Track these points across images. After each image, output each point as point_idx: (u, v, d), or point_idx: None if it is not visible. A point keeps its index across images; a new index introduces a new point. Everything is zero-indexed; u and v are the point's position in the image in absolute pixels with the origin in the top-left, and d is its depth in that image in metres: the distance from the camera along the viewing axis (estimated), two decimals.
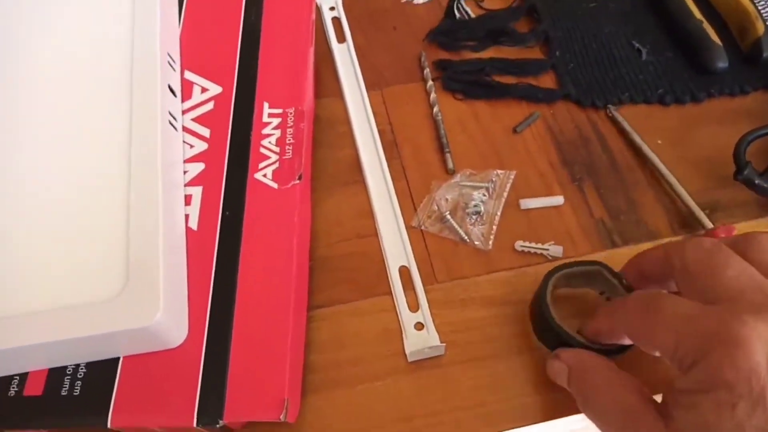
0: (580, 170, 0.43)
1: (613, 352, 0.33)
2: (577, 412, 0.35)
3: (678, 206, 0.42)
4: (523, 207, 0.41)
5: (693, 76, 0.47)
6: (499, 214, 0.40)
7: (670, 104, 0.46)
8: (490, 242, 0.39)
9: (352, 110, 0.46)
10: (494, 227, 0.40)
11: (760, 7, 0.48)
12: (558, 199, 0.41)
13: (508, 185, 0.41)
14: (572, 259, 0.37)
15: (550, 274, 0.36)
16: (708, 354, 0.25)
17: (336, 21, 0.50)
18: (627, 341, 0.33)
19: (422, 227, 0.41)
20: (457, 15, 0.51)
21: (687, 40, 0.48)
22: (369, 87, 0.47)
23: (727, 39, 0.48)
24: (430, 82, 0.46)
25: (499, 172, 0.41)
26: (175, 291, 0.33)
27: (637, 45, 0.49)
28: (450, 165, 0.43)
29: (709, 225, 0.40)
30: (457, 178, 0.41)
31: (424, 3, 0.51)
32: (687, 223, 0.41)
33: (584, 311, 0.37)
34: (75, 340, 0.30)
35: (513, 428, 0.35)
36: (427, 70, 0.47)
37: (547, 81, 0.48)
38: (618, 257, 0.40)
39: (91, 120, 0.37)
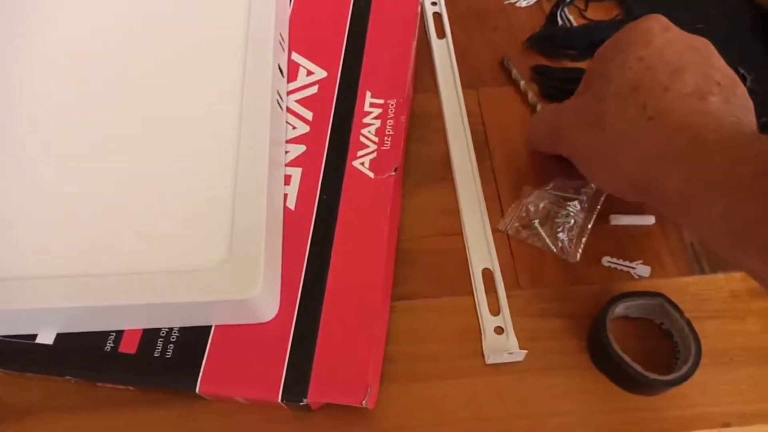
0: None
1: (670, 383, 0.34)
2: None
3: None
4: (613, 222, 0.40)
5: None
6: (590, 227, 0.40)
7: None
8: (578, 254, 0.39)
9: (446, 107, 0.46)
10: (583, 240, 0.39)
11: None
12: (649, 218, 0.41)
13: (602, 198, 0.40)
14: (643, 282, 0.36)
15: (610, 303, 0.36)
16: (623, 31, 0.34)
17: (437, 16, 0.50)
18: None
19: (508, 232, 0.40)
20: (560, 22, 0.50)
21: None
22: (465, 86, 0.47)
23: None
24: (523, 83, 0.46)
25: (594, 184, 0.41)
26: (273, 267, 0.33)
27: (742, 71, 0.47)
28: None
29: None
30: (549, 186, 0.41)
31: (527, 6, 0.51)
32: None
33: (642, 337, 0.37)
34: (174, 305, 0.31)
35: None
36: (514, 71, 0.47)
37: None
38: (705, 284, 0.39)
39: (204, 92, 0.38)
